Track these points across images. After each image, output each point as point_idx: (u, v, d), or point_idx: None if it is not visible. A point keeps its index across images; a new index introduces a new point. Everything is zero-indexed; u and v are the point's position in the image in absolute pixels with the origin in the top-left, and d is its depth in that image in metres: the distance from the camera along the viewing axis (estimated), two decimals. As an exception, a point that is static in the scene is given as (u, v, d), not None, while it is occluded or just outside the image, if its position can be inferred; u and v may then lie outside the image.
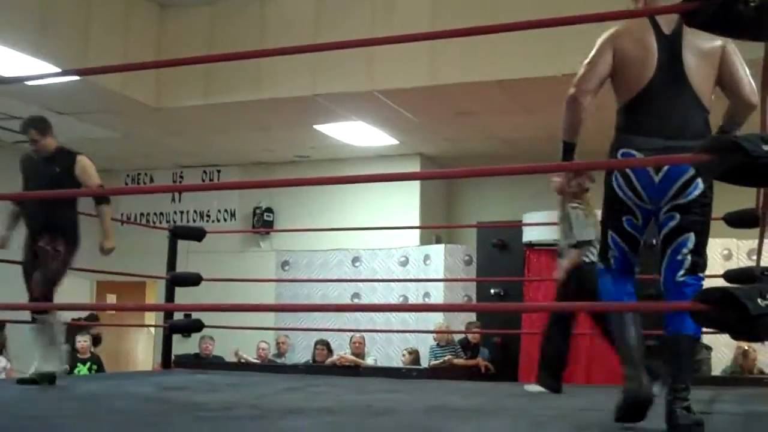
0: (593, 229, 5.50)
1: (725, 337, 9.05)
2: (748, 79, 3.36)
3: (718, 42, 3.29)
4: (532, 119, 9.85)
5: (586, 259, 5.62)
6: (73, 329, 10.52)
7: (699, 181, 3.19)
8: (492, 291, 10.50)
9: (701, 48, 3.29)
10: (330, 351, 10.31)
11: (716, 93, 3.43)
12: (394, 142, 11.26)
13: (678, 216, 3.23)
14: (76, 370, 9.62)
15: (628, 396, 3.30)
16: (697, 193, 3.22)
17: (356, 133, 10.90)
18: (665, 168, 3.19)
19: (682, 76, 3.26)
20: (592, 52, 3.42)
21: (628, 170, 3.23)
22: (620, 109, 3.38)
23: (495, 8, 8.34)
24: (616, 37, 3.39)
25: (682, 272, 3.29)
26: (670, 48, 3.28)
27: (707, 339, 9.23)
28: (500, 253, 10.63)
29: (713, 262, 9.72)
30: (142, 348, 14.27)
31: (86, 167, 5.68)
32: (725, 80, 3.35)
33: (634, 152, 3.26)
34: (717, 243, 9.84)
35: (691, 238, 3.26)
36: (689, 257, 3.28)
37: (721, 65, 3.33)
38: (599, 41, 3.44)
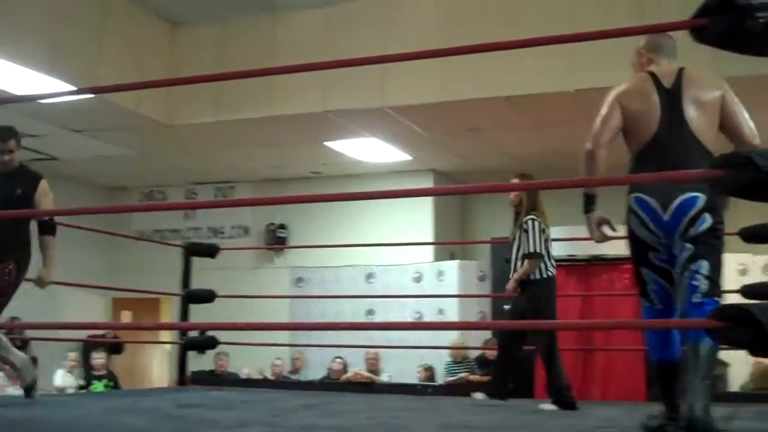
0: (548, 243, 5.81)
1: (742, 353, 9.02)
2: (747, 124, 3.62)
3: (717, 92, 3.60)
4: (542, 135, 9.86)
5: (538, 273, 5.80)
6: (89, 346, 10.57)
7: (706, 215, 3.44)
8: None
9: (701, 99, 3.59)
10: (345, 367, 10.30)
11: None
12: (406, 158, 11.28)
13: (690, 246, 3.46)
14: (91, 387, 9.66)
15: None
16: (705, 226, 3.45)
17: (368, 150, 10.91)
18: (673, 206, 3.45)
19: (684, 126, 3.53)
20: (603, 110, 3.69)
21: (640, 212, 3.52)
22: (632, 158, 3.66)
23: (506, 24, 8.36)
24: (623, 95, 3.69)
25: (699, 295, 3.45)
26: (672, 101, 3.58)
27: (724, 355, 9.17)
28: (514, 268, 10.61)
29: (729, 278, 9.62)
30: (157, 364, 14.29)
31: (48, 193, 5.52)
32: (726, 127, 3.62)
33: (643, 195, 3.53)
34: (732, 258, 9.75)
35: (704, 265, 3.46)
36: (704, 282, 3.46)
37: (721, 113, 3.60)
38: (608, 99, 3.71)
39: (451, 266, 11.29)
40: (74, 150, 11.23)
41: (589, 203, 3.71)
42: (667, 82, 3.64)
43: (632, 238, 3.62)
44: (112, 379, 9.95)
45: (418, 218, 11.83)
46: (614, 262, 9.81)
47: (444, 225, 12.11)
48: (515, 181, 6.10)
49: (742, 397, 7.76)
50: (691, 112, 3.57)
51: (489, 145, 10.70)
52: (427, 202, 11.84)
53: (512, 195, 6.06)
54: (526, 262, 5.83)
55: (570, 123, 9.25)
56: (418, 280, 11.47)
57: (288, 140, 10.58)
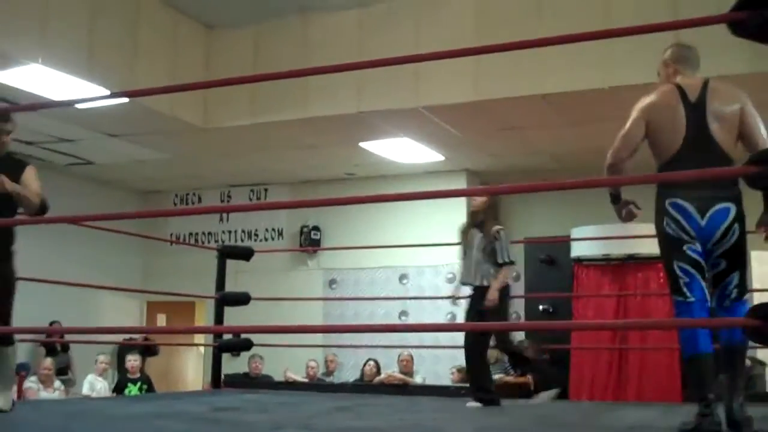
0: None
1: (781, 353, 8.91)
2: (762, 135, 3.83)
3: (737, 105, 3.81)
4: (577, 133, 9.77)
5: (511, 280, 6.10)
6: (124, 350, 10.65)
7: (736, 225, 3.69)
8: (540, 307, 10.42)
9: (723, 111, 3.80)
10: (378, 369, 10.29)
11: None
12: (439, 158, 11.24)
13: (724, 262, 3.73)
14: (126, 390, 9.70)
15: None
16: (736, 237, 3.71)
17: (402, 150, 10.90)
18: (709, 213, 3.69)
19: (709, 137, 3.76)
20: (628, 123, 3.90)
21: (676, 215, 3.73)
22: (659, 168, 3.88)
23: (540, 21, 8.31)
24: (649, 108, 3.89)
25: (728, 302, 3.77)
26: (696, 115, 3.79)
27: (762, 354, 9.06)
28: (548, 268, 10.57)
29: (766, 276, 9.55)
30: (191, 367, 14.37)
31: (36, 179, 4.94)
32: (745, 137, 3.83)
33: (680, 201, 3.73)
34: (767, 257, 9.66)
35: (735, 276, 3.76)
36: (735, 291, 3.76)
37: (740, 125, 3.81)
38: (634, 112, 3.92)
39: (485, 267, 11.23)
40: (110, 154, 11.32)
41: (614, 198, 4.04)
42: (693, 95, 3.83)
43: (665, 236, 3.78)
44: (146, 382, 9.99)
45: (451, 219, 11.71)
46: (649, 261, 9.72)
47: (478, 225, 12.05)
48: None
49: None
50: (714, 125, 3.78)
51: (523, 144, 10.64)
52: (461, 202, 11.78)
53: (477, 203, 6.20)
54: (503, 269, 6.00)
55: (605, 120, 9.16)
56: (451, 281, 11.42)
57: (322, 141, 10.59)
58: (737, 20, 2.65)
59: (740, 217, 3.71)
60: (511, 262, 6.05)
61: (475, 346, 5.92)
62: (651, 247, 9.97)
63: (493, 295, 5.83)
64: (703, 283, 3.77)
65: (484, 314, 5.83)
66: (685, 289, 3.75)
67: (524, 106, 8.90)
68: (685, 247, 3.73)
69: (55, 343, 10.58)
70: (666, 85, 3.97)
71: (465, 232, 6.22)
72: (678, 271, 3.75)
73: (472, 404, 5.78)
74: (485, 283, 5.93)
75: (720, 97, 3.83)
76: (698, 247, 3.73)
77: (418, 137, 10.31)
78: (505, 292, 5.99)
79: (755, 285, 9.36)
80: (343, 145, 10.77)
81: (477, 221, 6.17)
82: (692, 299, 3.73)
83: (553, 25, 8.00)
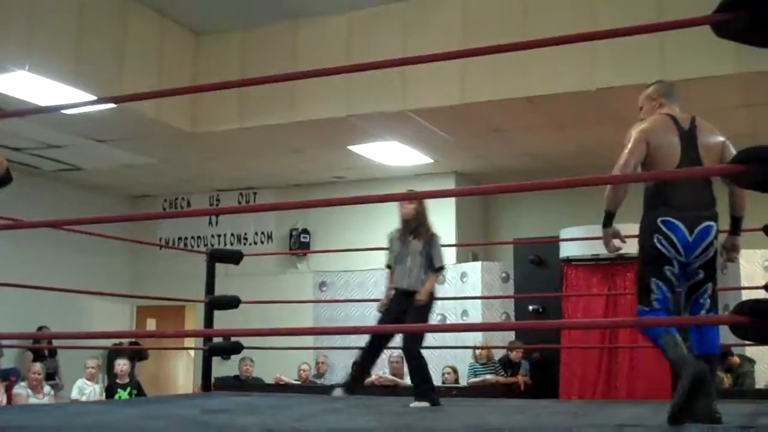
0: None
1: (768, 350, 8.96)
2: None
3: (720, 139, 4.18)
4: (564, 135, 9.83)
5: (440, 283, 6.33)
6: (113, 355, 10.61)
7: (715, 242, 4.07)
8: (530, 307, 10.45)
9: (709, 143, 4.15)
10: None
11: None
12: (428, 160, 11.28)
13: (702, 272, 4.09)
14: (116, 396, 9.66)
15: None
16: (713, 252, 4.09)
17: (391, 153, 10.92)
18: (696, 230, 4.03)
19: (699, 162, 4.09)
20: (630, 144, 4.13)
21: (668, 232, 4.04)
22: (652, 187, 4.14)
23: (526, 25, 8.36)
24: (648, 131, 4.16)
25: (703, 311, 4.15)
26: (689, 142, 4.11)
27: (750, 352, 9.11)
28: (538, 269, 10.60)
29: (754, 273, 9.62)
30: (182, 371, 14.35)
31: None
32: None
33: (672, 219, 4.04)
34: (757, 254, 9.73)
35: (709, 287, 4.14)
36: (708, 300, 4.15)
37: (722, 157, 4.13)
38: (634, 135, 4.15)
39: (474, 267, 11.27)
40: (98, 160, 11.31)
41: (608, 220, 4.22)
42: (684, 125, 4.16)
43: (653, 252, 4.08)
44: (136, 387, 9.95)
45: (440, 220, 11.69)
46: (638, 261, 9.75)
47: (466, 226, 12.09)
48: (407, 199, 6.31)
49: (769, 395, 7.70)
50: (703, 153, 4.11)
51: (511, 146, 10.68)
52: (450, 203, 11.82)
53: (409, 209, 6.22)
54: (434, 273, 6.16)
55: (591, 122, 9.23)
56: (441, 282, 11.45)
57: (311, 145, 10.61)
58: (721, 22, 2.68)
59: (717, 235, 4.08)
60: (443, 268, 6.23)
61: (416, 346, 6.08)
62: (639, 247, 9.92)
63: (424, 295, 5.99)
64: (670, 297, 4.13)
65: (409, 314, 6.00)
66: (654, 302, 4.11)
67: (511, 108, 8.94)
68: (665, 268, 4.08)
69: (43, 349, 10.55)
70: (658, 114, 4.26)
71: (398, 240, 6.27)
72: (653, 286, 4.11)
73: (418, 404, 5.84)
74: (419, 288, 6.06)
75: (707, 130, 4.18)
76: (676, 269, 4.09)
77: (407, 140, 10.34)
78: (433, 295, 6.16)
79: (743, 282, 9.44)
80: (331, 149, 10.79)
81: (411, 228, 6.23)
82: (658, 308, 4.10)
83: (539, 29, 8.04)
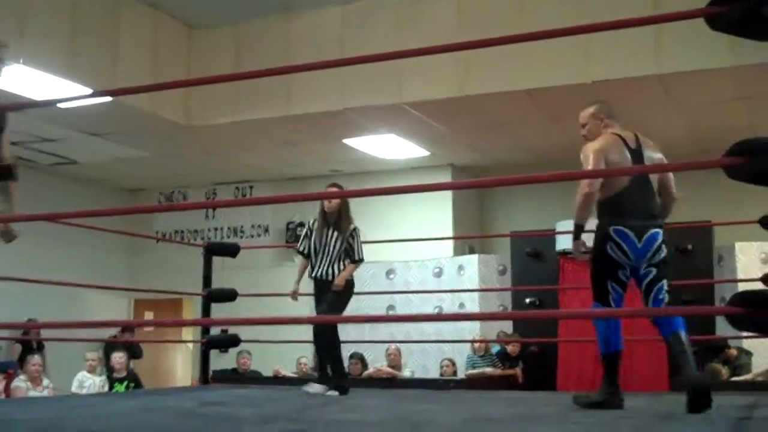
0: None
1: (766, 342, 8.99)
2: (672, 182, 4.72)
3: (659, 154, 4.70)
4: (560, 128, 9.83)
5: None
6: (109, 349, 10.60)
7: (663, 246, 4.53)
8: (527, 300, 10.47)
9: (653, 158, 4.65)
10: (364, 364, 10.32)
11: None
12: (425, 153, 11.28)
13: (654, 270, 4.53)
14: (113, 390, 9.67)
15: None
16: (664, 254, 4.54)
17: (387, 146, 10.92)
18: (644, 238, 4.48)
19: (647, 178, 4.58)
20: (593, 160, 4.56)
21: (619, 240, 4.49)
22: (606, 200, 4.56)
23: (522, 17, 8.35)
24: (605, 148, 4.60)
25: (664, 304, 4.58)
26: (637, 158, 4.59)
27: (747, 344, 9.14)
28: (534, 262, 10.61)
29: (751, 266, 9.64)
30: (180, 365, 14.36)
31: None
32: (661, 181, 4.67)
33: (623, 228, 4.50)
34: (754, 246, 9.75)
35: (665, 283, 4.56)
36: (666, 294, 4.57)
37: (663, 170, 4.75)
38: (592, 154, 4.59)
39: (471, 260, 11.29)
40: (94, 153, 11.30)
41: (579, 232, 4.66)
42: (631, 143, 4.62)
43: (606, 258, 4.54)
44: (134, 380, 9.96)
45: (437, 214, 11.83)
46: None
47: (463, 220, 12.11)
48: (332, 190, 6.47)
49: (765, 386, 7.73)
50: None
51: (507, 139, 10.69)
52: (446, 197, 11.83)
53: (332, 203, 6.48)
54: (352, 264, 6.54)
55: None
56: (438, 275, 11.47)
57: (307, 139, 10.60)
58: (715, 14, 2.69)
59: (664, 240, 4.55)
60: (362, 260, 6.58)
61: (329, 336, 6.43)
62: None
63: (341, 280, 6.36)
64: (623, 296, 4.64)
65: (324, 300, 6.41)
66: (610, 301, 4.58)
67: (508, 101, 8.95)
68: (619, 272, 4.55)
69: (32, 341, 10.53)
70: (608, 134, 4.70)
71: (318, 230, 6.51)
72: (609, 288, 4.58)
73: (318, 389, 6.20)
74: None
75: (649, 146, 4.68)
76: (628, 271, 4.56)
77: (403, 133, 10.34)
78: (351, 285, 6.54)
79: (740, 275, 9.46)
80: (327, 142, 10.79)
81: (333, 220, 6.47)
82: (612, 306, 4.61)
83: (535, 21, 8.05)
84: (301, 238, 6.71)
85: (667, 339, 4.39)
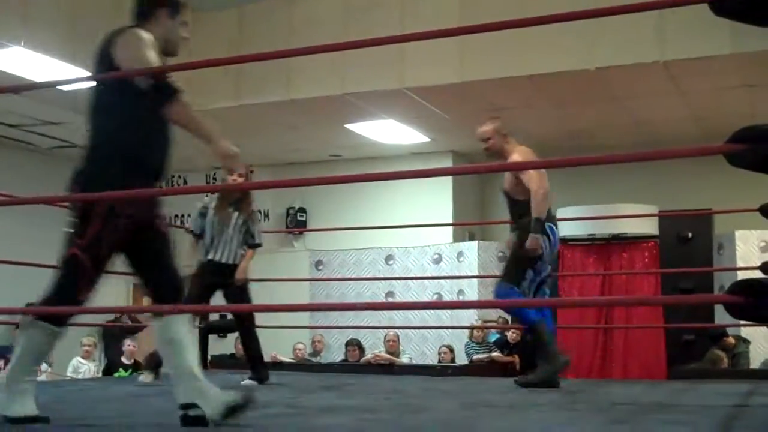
0: None
1: (763, 330, 9.00)
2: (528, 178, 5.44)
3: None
4: (562, 114, 9.80)
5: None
6: (109, 336, 10.57)
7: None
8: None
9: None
10: (362, 350, 10.32)
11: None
12: (425, 139, 11.25)
13: (549, 267, 5.54)
14: (116, 374, 9.68)
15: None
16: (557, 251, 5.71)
17: (387, 132, 10.90)
18: (557, 236, 5.51)
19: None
20: (533, 172, 5.43)
21: (551, 236, 5.34)
22: (526, 202, 5.37)
23: (524, 3, 8.29)
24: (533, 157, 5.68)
25: (546, 296, 5.63)
26: None
27: (746, 332, 9.14)
28: (534, 249, 10.60)
29: (751, 254, 9.63)
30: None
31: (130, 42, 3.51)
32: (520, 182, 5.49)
33: (552, 225, 5.39)
34: (754, 235, 9.73)
35: (548, 279, 5.59)
36: (548, 289, 5.59)
37: (519, 174, 5.53)
38: (530, 158, 5.66)
39: (471, 247, 11.28)
40: (95, 136, 11.26)
41: (541, 226, 5.23)
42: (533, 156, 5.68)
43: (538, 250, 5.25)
44: (138, 368, 9.96)
45: (437, 200, 11.81)
46: (633, 240, 9.77)
47: (463, 206, 12.09)
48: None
49: (763, 374, 7.74)
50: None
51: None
52: (447, 183, 11.81)
53: (238, 181, 6.09)
54: (252, 250, 6.15)
55: (590, 102, 9.21)
56: (437, 261, 11.47)
57: (307, 123, 10.58)
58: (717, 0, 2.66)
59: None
60: (261, 245, 6.26)
61: (246, 323, 6.19)
62: (635, 227, 10.03)
63: (241, 273, 6.02)
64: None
65: (233, 293, 6.07)
66: (524, 286, 5.29)
67: (510, 87, 8.92)
68: (539, 263, 5.30)
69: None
70: (523, 147, 5.74)
71: (215, 209, 6.12)
72: (527, 275, 5.29)
73: (249, 382, 5.99)
74: (238, 262, 6.06)
75: None
76: (545, 264, 5.38)
77: (404, 119, 10.31)
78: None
79: (739, 263, 9.46)
80: (328, 127, 10.76)
81: (233, 200, 6.13)
82: (519, 291, 5.28)
83: (537, 7, 7.97)
84: (195, 216, 6.25)
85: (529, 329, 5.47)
